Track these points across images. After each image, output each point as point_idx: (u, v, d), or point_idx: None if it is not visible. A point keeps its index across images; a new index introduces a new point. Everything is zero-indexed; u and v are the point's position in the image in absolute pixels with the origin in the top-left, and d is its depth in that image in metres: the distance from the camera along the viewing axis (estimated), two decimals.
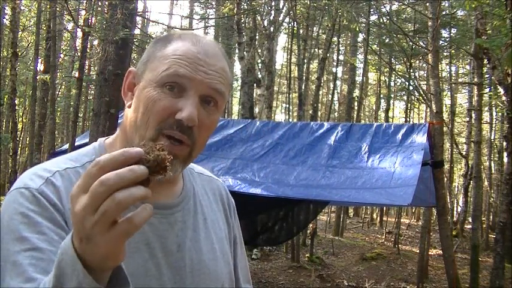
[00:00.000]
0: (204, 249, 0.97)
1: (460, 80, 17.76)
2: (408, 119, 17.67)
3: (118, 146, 0.95)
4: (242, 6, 10.36)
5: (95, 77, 9.09)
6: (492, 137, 15.59)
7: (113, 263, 0.62)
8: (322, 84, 16.05)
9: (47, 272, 0.70)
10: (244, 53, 10.50)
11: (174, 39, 0.92)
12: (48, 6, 9.48)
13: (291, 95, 17.16)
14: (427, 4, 7.68)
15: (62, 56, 14.34)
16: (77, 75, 9.08)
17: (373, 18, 13.83)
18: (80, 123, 14.87)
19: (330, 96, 16.30)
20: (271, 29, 11.67)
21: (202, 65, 0.88)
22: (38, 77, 9.92)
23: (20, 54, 10.13)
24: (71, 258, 0.60)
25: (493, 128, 15.80)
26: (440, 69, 12.21)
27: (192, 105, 0.86)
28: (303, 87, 12.17)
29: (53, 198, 0.82)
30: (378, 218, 18.96)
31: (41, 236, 0.77)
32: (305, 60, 13.06)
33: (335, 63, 17.02)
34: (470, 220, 11.73)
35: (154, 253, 0.90)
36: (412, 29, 13.13)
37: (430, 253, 9.82)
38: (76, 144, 6.60)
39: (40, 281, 0.70)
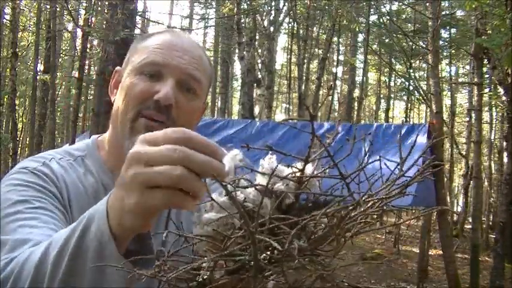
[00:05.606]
0: None
1: (460, 80, 17.75)
2: (408, 119, 17.66)
3: (107, 140, 0.99)
4: (242, 6, 10.36)
5: (95, 77, 9.08)
6: (492, 137, 15.57)
7: (135, 228, 0.59)
8: (322, 84, 16.04)
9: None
10: (244, 53, 10.49)
11: (155, 34, 0.97)
12: (48, 6, 9.49)
13: (291, 95, 17.15)
14: (427, 4, 7.68)
15: (62, 56, 14.33)
16: (77, 75, 9.07)
17: (373, 18, 13.83)
18: (80, 123, 14.85)
19: (330, 96, 16.29)
20: (271, 29, 11.66)
21: (177, 50, 0.92)
22: (38, 77, 9.92)
23: (20, 54, 10.13)
24: (101, 213, 0.60)
25: (493, 128, 15.78)
26: (440, 69, 12.21)
27: (169, 86, 0.89)
28: (303, 87, 12.17)
29: (50, 174, 0.87)
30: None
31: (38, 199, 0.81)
32: (305, 60, 13.06)
33: (335, 63, 17.02)
34: (470, 220, 11.72)
35: None
36: (412, 29, 13.13)
37: (430, 253, 9.81)
38: None
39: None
